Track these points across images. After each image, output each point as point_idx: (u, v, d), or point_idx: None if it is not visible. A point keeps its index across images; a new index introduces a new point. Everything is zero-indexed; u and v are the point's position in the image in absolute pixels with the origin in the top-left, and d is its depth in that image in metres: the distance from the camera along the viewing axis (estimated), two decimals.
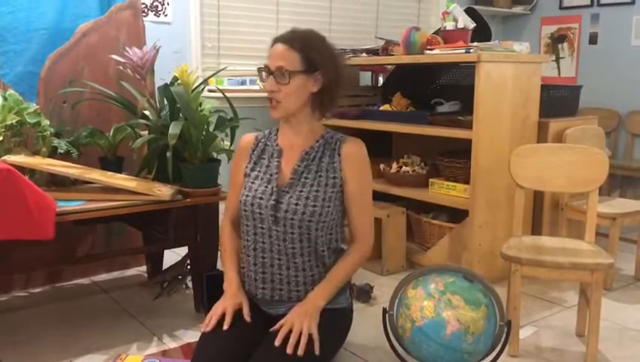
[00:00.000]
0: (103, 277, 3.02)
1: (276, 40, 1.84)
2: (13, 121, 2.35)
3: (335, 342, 1.90)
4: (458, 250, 2.99)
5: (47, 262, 2.37)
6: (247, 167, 1.94)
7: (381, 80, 4.21)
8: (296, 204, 1.81)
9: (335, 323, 1.88)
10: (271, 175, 1.87)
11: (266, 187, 1.85)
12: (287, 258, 1.84)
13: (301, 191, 1.83)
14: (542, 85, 3.07)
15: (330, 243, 1.88)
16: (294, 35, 1.83)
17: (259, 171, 1.91)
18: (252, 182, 1.89)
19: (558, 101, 3.23)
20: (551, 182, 2.39)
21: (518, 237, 2.37)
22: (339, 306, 1.90)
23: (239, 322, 1.82)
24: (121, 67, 2.61)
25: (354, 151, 1.90)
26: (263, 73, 1.84)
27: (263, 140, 1.96)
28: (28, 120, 2.39)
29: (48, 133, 2.48)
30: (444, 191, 3.10)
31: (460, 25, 3.10)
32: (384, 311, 1.95)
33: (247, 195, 1.87)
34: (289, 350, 1.65)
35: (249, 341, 1.75)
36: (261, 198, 1.84)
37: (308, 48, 1.82)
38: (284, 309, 1.87)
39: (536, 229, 3.11)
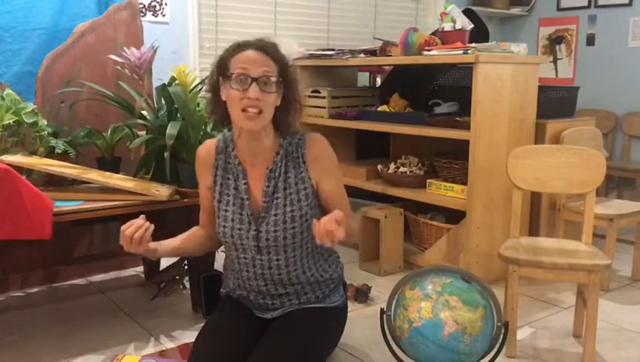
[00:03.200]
0: (99, 277, 3.02)
1: (247, 46, 1.70)
2: (11, 121, 2.35)
3: (330, 341, 1.90)
4: (456, 250, 2.99)
5: (44, 262, 2.37)
6: (214, 188, 1.83)
7: (379, 80, 4.21)
8: (275, 231, 1.74)
9: (330, 321, 1.87)
10: (242, 200, 1.77)
11: (241, 214, 1.77)
12: (274, 283, 1.82)
13: (276, 214, 1.74)
14: (539, 86, 3.07)
15: (315, 251, 1.86)
16: (265, 45, 1.71)
17: (228, 195, 1.80)
18: (225, 210, 1.79)
19: (556, 102, 3.24)
20: (548, 184, 2.39)
21: (515, 238, 2.37)
22: (333, 305, 1.90)
23: (236, 324, 1.82)
24: (118, 67, 2.61)
25: (318, 152, 1.79)
26: (241, 79, 1.65)
27: (222, 155, 1.82)
28: (25, 120, 2.39)
29: (46, 133, 2.48)
30: (441, 192, 3.10)
31: (458, 26, 3.10)
32: (382, 311, 1.95)
33: (224, 226, 1.79)
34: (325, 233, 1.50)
35: (246, 341, 1.75)
36: (240, 229, 1.76)
37: (280, 59, 1.72)
38: (278, 312, 1.86)
39: (533, 230, 3.11)
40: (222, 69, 1.71)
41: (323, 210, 1.84)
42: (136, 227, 1.66)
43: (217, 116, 1.79)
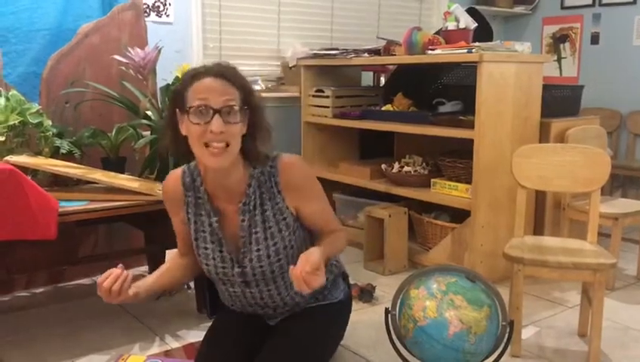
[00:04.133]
0: None
1: (204, 73, 1.53)
2: (16, 122, 2.35)
3: (333, 337, 1.89)
4: (460, 250, 2.98)
5: (49, 262, 2.37)
6: (189, 226, 1.72)
7: (383, 80, 4.21)
8: (261, 266, 1.67)
9: (333, 317, 1.86)
10: (219, 238, 1.68)
11: (221, 251, 1.69)
12: (268, 307, 1.80)
13: (258, 250, 1.66)
14: (544, 85, 3.07)
15: None
16: (224, 70, 1.56)
17: (204, 232, 1.69)
18: (205, 248, 1.70)
19: (560, 101, 3.23)
20: (553, 182, 2.38)
21: (520, 237, 2.37)
22: (335, 300, 1.89)
23: (241, 325, 1.82)
24: (123, 67, 2.61)
25: (293, 178, 1.67)
26: (201, 111, 1.49)
27: (190, 191, 1.69)
28: (30, 120, 2.39)
29: (51, 133, 2.48)
30: (446, 191, 3.10)
31: (462, 25, 3.10)
32: (386, 311, 1.95)
33: (207, 264, 1.72)
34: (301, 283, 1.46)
35: (251, 343, 1.75)
36: (224, 268, 1.70)
37: (242, 84, 1.57)
38: (279, 318, 1.86)
39: (538, 229, 3.11)
40: (178, 101, 1.55)
41: (308, 231, 1.79)
42: (114, 277, 1.54)
43: (179, 153, 1.66)
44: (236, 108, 1.52)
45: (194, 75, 1.54)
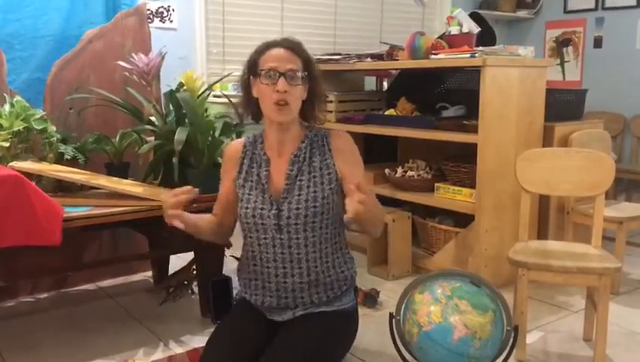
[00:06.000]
0: (109, 282, 3.02)
1: (275, 45, 1.84)
2: (20, 128, 2.36)
3: (341, 346, 1.90)
4: (464, 254, 2.98)
5: (53, 268, 2.39)
6: (239, 177, 1.92)
7: (386, 85, 4.21)
8: (297, 208, 1.80)
9: (340, 325, 1.87)
10: (263, 185, 1.86)
11: (263, 197, 1.85)
12: (292, 265, 1.83)
13: (299, 194, 1.82)
14: (547, 89, 3.06)
15: (334, 239, 1.89)
16: (291, 43, 1.85)
17: (251, 181, 1.89)
18: (249, 194, 1.88)
19: (564, 105, 3.23)
20: (557, 187, 2.38)
21: (524, 241, 2.36)
22: (344, 308, 1.90)
23: (247, 328, 1.83)
24: (127, 73, 2.62)
25: (343, 144, 1.90)
26: (270, 75, 1.78)
27: (250, 148, 1.94)
28: (35, 126, 2.40)
29: (55, 139, 2.50)
30: (449, 196, 3.10)
31: (465, 29, 3.10)
32: (391, 316, 1.95)
33: (246, 207, 1.86)
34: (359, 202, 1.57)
35: (257, 346, 1.75)
36: (262, 209, 1.83)
37: (305, 56, 1.85)
38: (289, 315, 1.87)
39: (542, 233, 3.10)
40: (252, 67, 1.85)
41: (343, 207, 1.83)
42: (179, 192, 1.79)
43: (250, 112, 1.93)
44: (299, 74, 1.79)
45: (266, 46, 1.84)
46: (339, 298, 1.90)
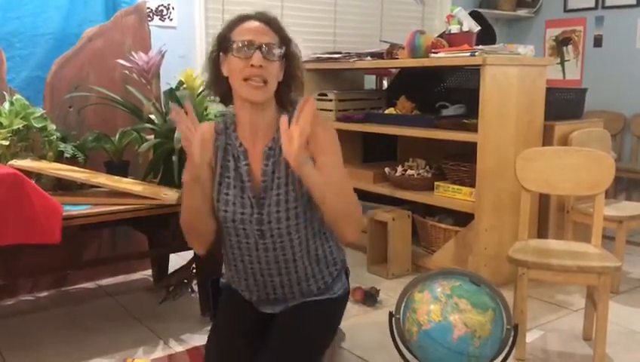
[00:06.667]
0: (108, 281, 3.02)
1: (249, 17, 1.67)
2: (20, 126, 2.36)
3: (332, 331, 1.84)
4: (464, 253, 2.98)
5: (53, 267, 2.38)
6: (215, 170, 1.73)
7: (385, 83, 4.21)
8: (278, 211, 1.67)
9: (331, 313, 1.82)
10: (242, 182, 1.69)
11: (242, 197, 1.69)
12: (279, 266, 1.73)
13: (278, 194, 1.67)
14: (547, 88, 3.06)
15: (321, 232, 1.78)
16: (267, 17, 1.68)
17: (228, 178, 1.71)
18: (226, 194, 1.71)
19: (564, 104, 3.23)
20: (557, 186, 2.38)
21: (524, 240, 2.36)
22: (335, 296, 1.82)
23: (241, 324, 1.79)
24: (126, 72, 2.62)
25: (319, 132, 1.68)
26: (244, 48, 1.60)
27: (222, 136, 1.74)
28: (34, 124, 2.40)
29: (54, 137, 2.49)
30: (449, 195, 3.10)
31: (465, 28, 3.10)
32: (390, 314, 1.95)
33: (225, 210, 1.70)
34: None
35: (252, 341, 1.73)
36: (242, 213, 1.68)
37: (282, 32, 1.68)
38: (280, 308, 1.80)
39: (542, 232, 3.10)
40: (222, 42, 1.67)
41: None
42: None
43: (218, 94, 1.75)
44: (275, 49, 1.63)
45: (241, 18, 1.67)
46: (330, 286, 1.82)
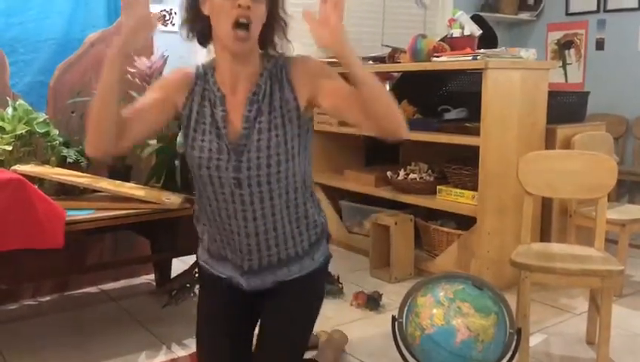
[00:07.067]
0: (111, 285, 3.03)
1: None
2: (23, 131, 2.37)
3: (319, 304, 1.75)
4: (467, 256, 2.98)
5: (56, 271, 2.38)
6: (187, 116, 1.60)
7: (387, 87, 4.21)
8: (258, 158, 1.53)
9: (315, 285, 1.74)
10: (219, 128, 1.57)
11: (219, 143, 1.56)
12: (256, 223, 1.58)
13: (259, 140, 1.54)
14: (549, 91, 3.07)
15: (303, 186, 1.65)
16: None
17: (204, 124, 1.58)
18: (202, 140, 1.57)
19: (566, 107, 3.23)
20: (559, 189, 2.38)
21: (527, 244, 2.36)
22: (317, 266, 1.71)
23: (228, 314, 1.71)
24: (129, 76, 2.62)
25: (304, 65, 1.60)
26: None
27: (200, 81, 1.62)
28: (37, 130, 2.41)
29: (57, 142, 2.50)
30: (452, 198, 3.10)
31: (467, 32, 3.11)
32: (393, 318, 1.95)
33: (199, 157, 1.56)
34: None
35: (242, 332, 1.70)
36: (219, 159, 1.55)
37: None
38: (257, 282, 1.65)
39: (544, 236, 3.09)
40: None
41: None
42: None
43: (195, 34, 1.61)
44: None
45: None
46: (310, 252, 1.69)
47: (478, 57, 2.81)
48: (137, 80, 2.54)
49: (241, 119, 1.56)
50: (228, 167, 1.54)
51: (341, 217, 3.78)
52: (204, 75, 1.62)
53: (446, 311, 1.78)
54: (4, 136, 2.35)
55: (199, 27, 1.58)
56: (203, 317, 1.75)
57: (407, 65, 3.26)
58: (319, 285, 1.78)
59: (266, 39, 1.60)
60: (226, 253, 1.66)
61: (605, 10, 4.59)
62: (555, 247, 2.41)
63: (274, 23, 1.61)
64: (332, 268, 2.94)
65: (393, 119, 1.53)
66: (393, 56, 3.41)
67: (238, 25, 1.47)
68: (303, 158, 1.61)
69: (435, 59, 3.05)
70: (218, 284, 1.71)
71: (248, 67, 1.58)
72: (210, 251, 1.70)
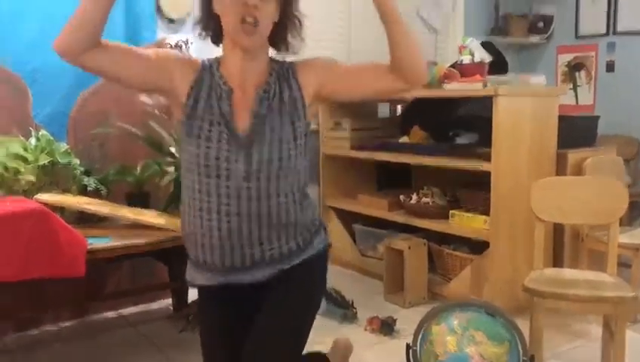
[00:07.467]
0: (130, 310, 3.07)
1: None
2: (46, 162, 2.43)
3: (319, 293, 1.76)
4: (480, 281, 3.00)
5: (76, 298, 2.44)
6: (193, 104, 1.58)
7: (399, 109, 4.26)
8: (270, 152, 1.54)
9: (314, 273, 1.71)
10: (227, 120, 1.56)
11: (228, 135, 1.55)
12: (260, 218, 1.56)
13: (271, 136, 1.56)
14: (559, 116, 3.09)
15: (303, 183, 1.67)
16: None
17: (212, 115, 1.56)
18: (209, 130, 1.55)
19: (576, 132, 3.25)
20: (571, 215, 2.40)
21: (539, 269, 2.38)
22: (314, 252, 1.68)
23: (220, 325, 1.71)
24: (148, 108, 2.69)
25: (308, 63, 1.64)
26: None
27: (206, 73, 1.61)
28: (60, 160, 2.47)
29: (78, 171, 2.56)
30: (464, 223, 3.12)
31: (477, 59, 3.16)
32: (408, 346, 1.97)
33: (207, 147, 1.53)
34: None
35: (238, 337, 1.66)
36: (228, 150, 1.53)
37: None
38: (258, 276, 1.60)
39: (557, 260, 3.11)
40: None
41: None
42: None
43: (209, 33, 1.64)
44: None
45: None
46: (310, 242, 1.68)
47: (488, 85, 2.86)
48: (156, 110, 2.61)
49: (250, 114, 1.57)
50: (238, 159, 1.53)
51: (355, 240, 3.82)
52: (210, 68, 1.62)
53: (459, 339, 1.81)
54: (28, 166, 2.42)
55: (212, 26, 1.61)
56: (202, 328, 1.76)
57: (418, 91, 3.31)
58: (319, 274, 1.74)
59: (278, 38, 1.62)
60: (214, 257, 1.59)
61: (615, 33, 4.63)
62: (567, 273, 2.43)
63: (287, 21, 1.62)
64: (346, 292, 3.02)
65: (418, 60, 1.57)
66: None
67: (245, 21, 1.49)
68: (305, 158, 1.63)
69: (446, 85, 3.10)
70: (211, 295, 1.69)
71: (258, 65, 1.60)
72: (197, 261, 1.63)
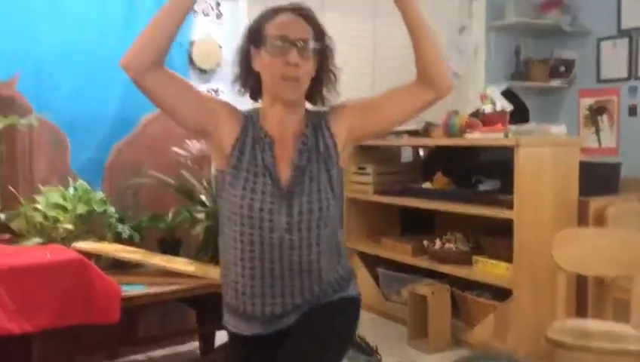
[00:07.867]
0: (158, 353, 3.13)
1: (284, 10, 1.60)
2: (83, 211, 2.55)
3: (350, 333, 1.77)
4: (503, 328, 3.01)
5: (108, 343, 2.51)
6: (239, 156, 1.59)
7: (421, 152, 4.31)
8: (309, 202, 1.58)
9: (349, 310, 1.71)
10: (270, 172, 1.59)
11: (272, 187, 1.58)
12: (301, 267, 1.59)
13: (310, 185, 1.60)
14: (581, 163, 3.12)
15: (340, 232, 1.71)
16: (302, 9, 1.61)
17: (256, 167, 1.59)
18: (254, 182, 1.58)
19: (598, 179, 3.27)
20: (593, 267, 2.44)
21: (562, 320, 2.40)
22: (350, 295, 1.71)
23: None
24: (180, 158, 2.80)
25: (337, 109, 1.68)
26: (278, 44, 1.53)
27: (250, 124, 1.63)
28: (96, 208, 2.59)
29: (114, 219, 2.67)
30: (487, 269, 3.15)
31: (498, 108, 3.23)
32: None
33: (251, 198, 1.56)
34: None
35: None
36: (272, 202, 1.56)
37: (317, 25, 1.61)
38: (292, 319, 1.62)
39: (581, 307, 3.10)
40: (254, 35, 1.60)
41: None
42: None
43: (248, 89, 1.67)
44: (311, 45, 1.57)
45: (274, 11, 1.60)
46: (347, 283, 1.71)
47: (510, 135, 2.92)
48: (189, 162, 2.72)
49: (290, 166, 1.60)
50: (280, 211, 1.56)
51: (378, 284, 3.85)
52: (251, 118, 1.64)
53: None
54: (66, 215, 2.54)
55: (251, 83, 1.65)
56: None
57: (441, 140, 3.39)
58: (354, 311, 1.73)
59: (314, 92, 1.67)
60: (255, 307, 1.61)
61: (636, 78, 4.66)
62: (590, 324, 2.45)
63: (323, 76, 1.66)
64: (370, 338, 3.04)
65: (444, 65, 1.61)
66: (427, 130, 3.53)
67: (286, 78, 1.54)
68: (341, 206, 1.68)
69: (468, 135, 3.17)
70: (240, 343, 1.70)
71: (296, 117, 1.63)
72: (236, 309, 1.65)
